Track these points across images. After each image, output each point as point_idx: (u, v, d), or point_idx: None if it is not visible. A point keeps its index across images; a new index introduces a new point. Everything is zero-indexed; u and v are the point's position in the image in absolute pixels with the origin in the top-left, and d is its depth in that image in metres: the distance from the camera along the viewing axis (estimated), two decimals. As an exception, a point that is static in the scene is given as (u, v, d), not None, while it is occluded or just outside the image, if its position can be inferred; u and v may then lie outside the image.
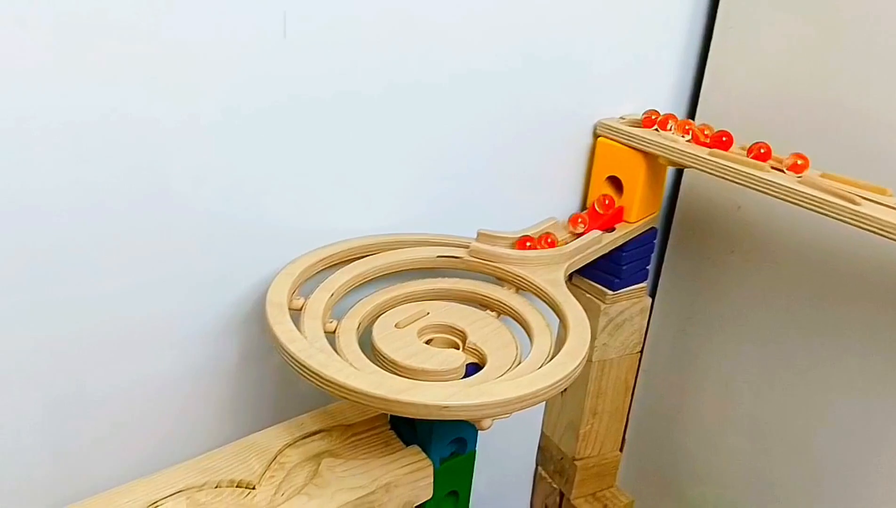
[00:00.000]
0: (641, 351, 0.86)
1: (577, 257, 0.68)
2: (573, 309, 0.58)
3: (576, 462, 0.87)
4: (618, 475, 0.93)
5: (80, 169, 0.49)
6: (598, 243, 0.70)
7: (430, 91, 0.63)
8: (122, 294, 0.55)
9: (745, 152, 0.65)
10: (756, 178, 0.61)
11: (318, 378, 0.48)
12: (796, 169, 0.61)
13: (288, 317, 0.53)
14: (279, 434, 0.58)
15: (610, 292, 0.78)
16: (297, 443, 0.58)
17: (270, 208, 0.59)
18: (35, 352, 0.53)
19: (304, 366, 0.49)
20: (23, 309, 0.51)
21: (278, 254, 0.62)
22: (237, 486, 0.54)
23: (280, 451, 0.57)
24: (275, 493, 0.54)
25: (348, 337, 0.57)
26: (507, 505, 0.95)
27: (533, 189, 0.75)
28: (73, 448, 0.59)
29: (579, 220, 0.72)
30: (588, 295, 0.80)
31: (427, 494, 0.58)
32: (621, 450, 0.92)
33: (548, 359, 0.54)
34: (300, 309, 0.58)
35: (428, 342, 0.59)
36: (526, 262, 0.64)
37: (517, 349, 0.57)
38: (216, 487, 0.54)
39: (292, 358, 0.49)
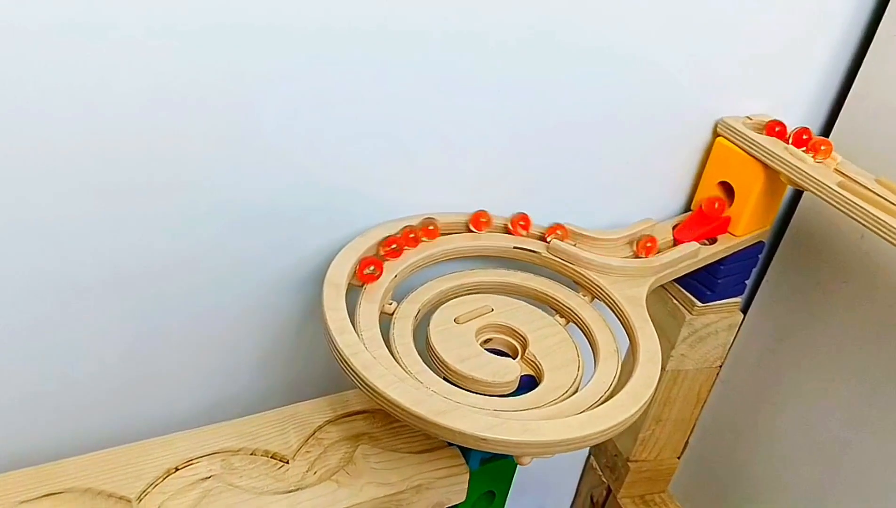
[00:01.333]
0: (721, 366, 0.80)
1: (667, 272, 0.62)
2: (648, 339, 0.53)
3: (629, 463, 0.84)
4: (672, 479, 0.89)
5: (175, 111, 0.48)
6: (693, 257, 0.64)
7: (553, 59, 0.57)
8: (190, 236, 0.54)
9: (880, 184, 0.57)
10: (885, 226, 0.53)
11: (359, 378, 0.46)
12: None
13: (343, 303, 0.51)
14: (322, 408, 0.57)
15: (699, 304, 0.72)
16: (339, 420, 0.57)
17: (350, 166, 0.56)
18: (122, 285, 0.53)
19: (348, 363, 0.46)
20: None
21: (349, 220, 0.59)
22: (272, 457, 0.54)
23: (320, 427, 0.56)
24: (307, 470, 0.53)
25: (404, 325, 0.54)
26: (552, 486, 0.94)
27: (634, 182, 0.69)
28: (140, 383, 0.60)
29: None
30: (675, 302, 0.74)
31: (460, 498, 0.56)
32: (680, 456, 0.88)
33: (608, 392, 0.50)
34: (361, 287, 0.55)
35: (486, 341, 0.56)
36: (608, 271, 0.59)
37: (579, 369, 0.53)
38: (251, 454, 0.54)
39: (338, 351, 0.47)
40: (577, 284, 0.60)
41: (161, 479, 0.51)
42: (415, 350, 0.52)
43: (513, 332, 0.56)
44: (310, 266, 0.59)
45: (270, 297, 0.60)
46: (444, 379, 0.51)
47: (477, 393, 0.50)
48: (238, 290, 0.59)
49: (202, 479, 0.51)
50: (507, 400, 0.49)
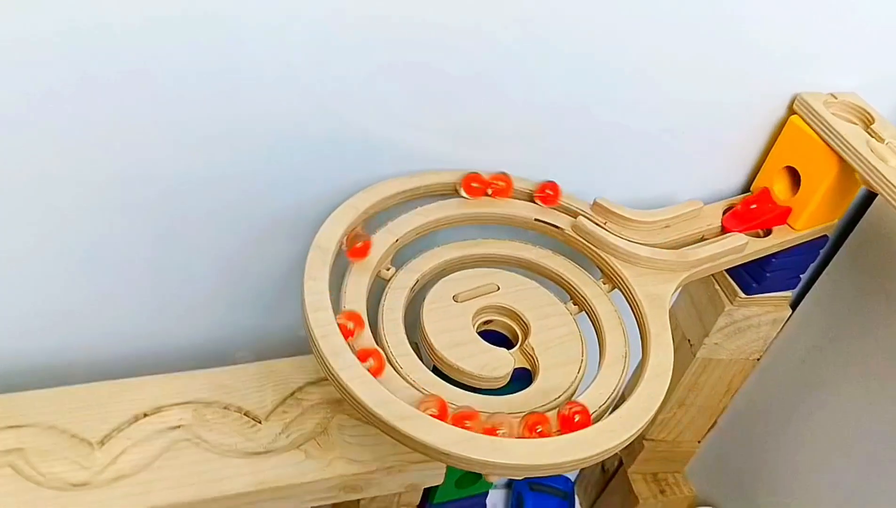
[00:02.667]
0: (759, 359, 0.73)
1: (704, 267, 0.55)
2: (662, 351, 0.47)
3: (644, 441, 0.79)
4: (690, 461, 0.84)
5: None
6: (738, 252, 0.57)
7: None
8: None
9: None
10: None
11: (323, 363, 0.42)
12: None
13: (326, 272, 0.46)
14: (305, 366, 0.54)
15: (742, 295, 0.65)
16: (323, 383, 0.54)
17: (381, 105, 0.50)
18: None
19: (316, 345, 0.42)
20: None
21: (362, 166, 0.54)
22: (245, 414, 0.51)
23: (301, 388, 0.53)
24: (280, 432, 0.51)
25: (396, 297, 0.49)
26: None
27: (688, 155, 0.61)
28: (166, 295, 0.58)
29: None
30: (717, 287, 0.67)
31: (437, 481, 0.53)
32: (702, 440, 0.83)
33: (602, 406, 0.45)
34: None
35: (486, 322, 0.51)
36: (635, 261, 0.53)
37: (580, 370, 0.48)
38: (224, 408, 0.51)
39: (309, 330, 0.43)
40: (599, 269, 0.54)
41: (128, 424, 0.49)
42: (403, 328, 0.48)
43: (516, 317, 0.51)
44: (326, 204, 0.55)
45: (284, 232, 0.56)
46: (433, 365, 0.47)
47: (462, 386, 0.45)
48: (257, 219, 0.55)
49: (171, 428, 0.50)
50: (490, 400, 0.45)
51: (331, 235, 0.48)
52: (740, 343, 0.70)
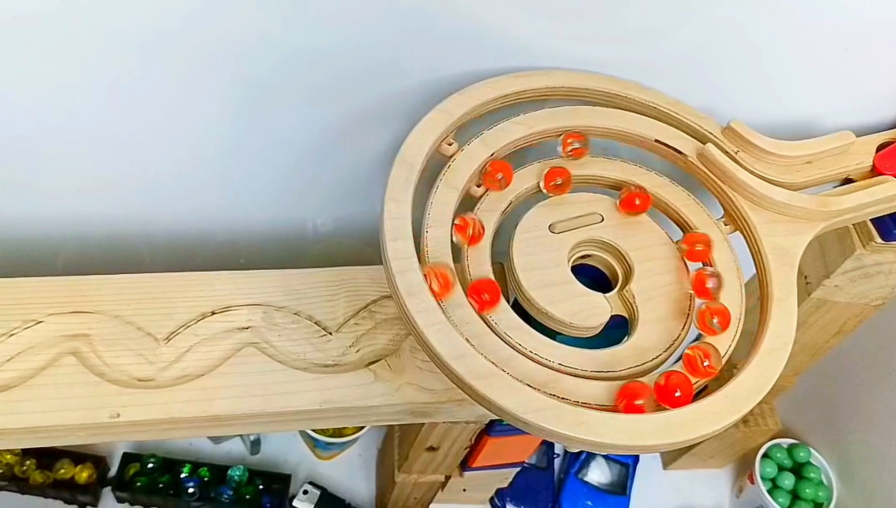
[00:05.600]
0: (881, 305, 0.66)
1: (846, 218, 0.47)
2: (783, 320, 0.41)
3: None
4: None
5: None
6: (889, 202, 0.48)
7: None
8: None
9: None
10: None
11: (399, 301, 0.38)
12: None
13: (409, 195, 0.41)
14: (381, 278, 0.50)
15: (878, 240, 0.57)
16: (398, 296, 0.50)
17: None
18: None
19: (392, 279, 0.38)
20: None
21: (460, 59, 0.47)
22: (316, 323, 0.48)
23: (375, 301, 0.50)
24: (350, 345, 0.48)
25: (486, 220, 0.44)
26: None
27: (844, 73, 0.51)
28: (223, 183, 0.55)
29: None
30: (849, 227, 0.59)
31: (510, 414, 0.50)
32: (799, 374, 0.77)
33: (706, 378, 0.40)
34: (449, 158, 0.45)
35: (584, 256, 0.46)
36: (767, 205, 0.46)
37: (684, 328, 0.43)
38: (295, 314, 0.48)
39: (385, 261, 0.39)
40: (722, 207, 0.47)
41: (195, 321, 0.47)
42: (489, 259, 0.43)
43: (619, 255, 0.45)
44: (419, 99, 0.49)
45: (375, 123, 0.51)
46: (515, 303, 0.42)
47: (549, 333, 0.41)
48: (346, 105, 0.50)
49: (239, 328, 0.47)
50: (574, 353, 0.40)
51: (418, 147, 0.43)
52: (864, 288, 0.62)
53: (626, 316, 0.43)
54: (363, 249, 0.64)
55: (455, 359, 0.36)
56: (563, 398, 0.37)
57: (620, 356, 0.41)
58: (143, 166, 0.52)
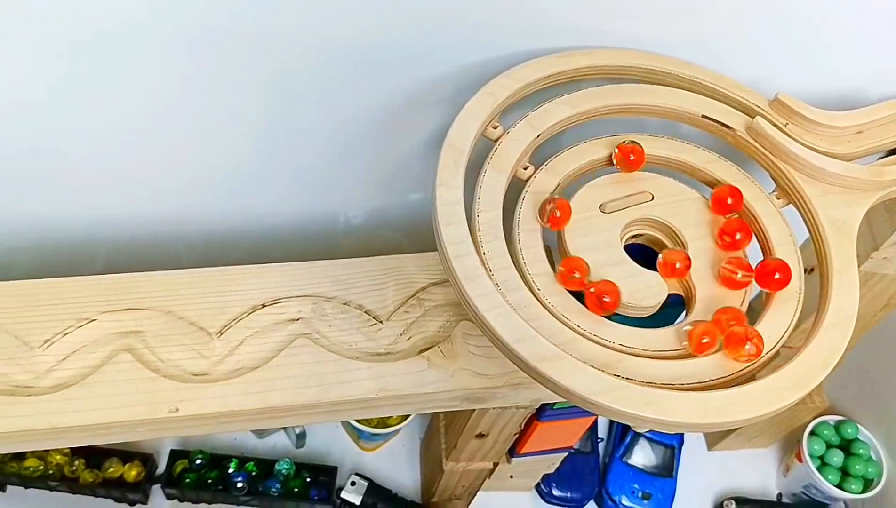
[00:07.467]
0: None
1: (902, 187, 0.46)
2: (845, 293, 0.40)
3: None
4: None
5: None
6: (947, 170, 0.47)
7: None
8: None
9: None
10: None
11: (457, 287, 0.38)
12: None
13: (460, 179, 0.41)
14: (429, 266, 0.50)
15: (933, 210, 0.56)
16: (446, 284, 0.50)
17: None
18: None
19: (449, 264, 0.38)
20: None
21: (501, 43, 0.47)
22: (366, 312, 0.48)
23: (423, 288, 0.49)
24: (401, 333, 0.48)
25: (535, 203, 0.44)
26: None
27: (887, 40, 0.50)
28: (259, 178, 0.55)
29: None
30: (897, 196, 0.58)
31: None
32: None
33: (770, 353, 0.39)
34: (495, 141, 0.45)
35: (634, 236, 0.45)
36: (820, 176, 0.45)
37: (742, 304, 0.42)
38: (345, 304, 0.48)
39: (441, 246, 0.39)
40: (773, 181, 0.47)
41: (246, 314, 0.47)
42: (541, 240, 0.42)
43: (671, 234, 0.44)
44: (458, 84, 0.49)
45: (408, 114, 0.51)
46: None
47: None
48: (381, 94, 0.50)
49: (290, 320, 0.47)
50: (633, 333, 0.40)
51: (465, 131, 0.42)
52: (915, 261, 0.61)
53: (683, 294, 0.43)
54: (396, 239, 0.64)
55: (518, 343, 0.35)
56: (628, 378, 0.36)
57: (676, 334, 0.40)
58: (178, 165, 0.52)
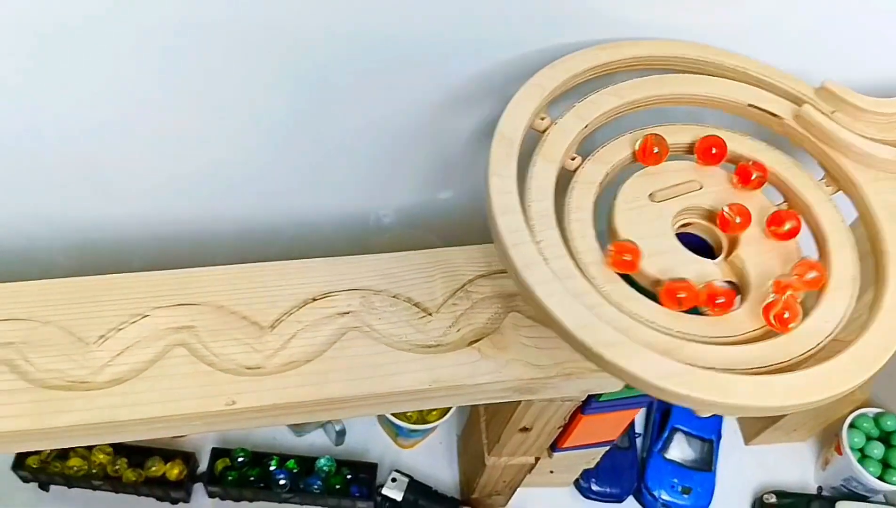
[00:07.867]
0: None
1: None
2: (902, 277, 0.40)
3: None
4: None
5: None
6: None
7: None
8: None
9: None
10: None
11: (516, 276, 0.38)
12: None
13: (513, 168, 0.41)
14: (475, 258, 0.50)
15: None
16: (495, 275, 0.50)
17: None
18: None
19: (507, 255, 0.38)
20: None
21: (546, 34, 0.47)
22: (415, 305, 0.48)
23: (471, 280, 0.50)
24: (450, 325, 0.48)
25: (584, 193, 0.44)
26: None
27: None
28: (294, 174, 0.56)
29: None
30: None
31: (616, 387, 0.49)
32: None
33: (828, 338, 0.39)
34: (543, 132, 0.45)
35: (685, 225, 0.45)
36: (870, 163, 0.45)
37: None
38: (393, 297, 0.49)
39: (498, 236, 0.39)
40: (823, 168, 0.46)
41: (297, 308, 0.48)
42: (592, 230, 0.42)
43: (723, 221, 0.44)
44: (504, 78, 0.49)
45: (446, 110, 0.51)
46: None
47: (658, 302, 0.41)
48: (413, 92, 0.50)
49: (340, 314, 0.48)
50: (694, 320, 0.40)
51: (516, 122, 0.43)
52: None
53: (737, 282, 0.43)
54: (428, 238, 0.64)
55: (580, 329, 0.36)
56: (690, 364, 0.36)
57: (737, 321, 0.40)
58: (215, 162, 0.53)
